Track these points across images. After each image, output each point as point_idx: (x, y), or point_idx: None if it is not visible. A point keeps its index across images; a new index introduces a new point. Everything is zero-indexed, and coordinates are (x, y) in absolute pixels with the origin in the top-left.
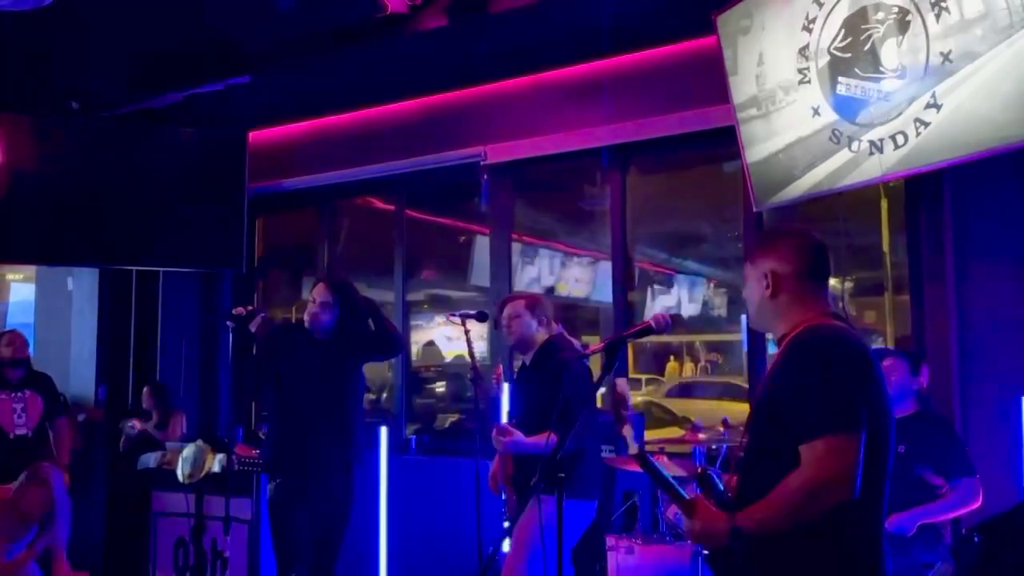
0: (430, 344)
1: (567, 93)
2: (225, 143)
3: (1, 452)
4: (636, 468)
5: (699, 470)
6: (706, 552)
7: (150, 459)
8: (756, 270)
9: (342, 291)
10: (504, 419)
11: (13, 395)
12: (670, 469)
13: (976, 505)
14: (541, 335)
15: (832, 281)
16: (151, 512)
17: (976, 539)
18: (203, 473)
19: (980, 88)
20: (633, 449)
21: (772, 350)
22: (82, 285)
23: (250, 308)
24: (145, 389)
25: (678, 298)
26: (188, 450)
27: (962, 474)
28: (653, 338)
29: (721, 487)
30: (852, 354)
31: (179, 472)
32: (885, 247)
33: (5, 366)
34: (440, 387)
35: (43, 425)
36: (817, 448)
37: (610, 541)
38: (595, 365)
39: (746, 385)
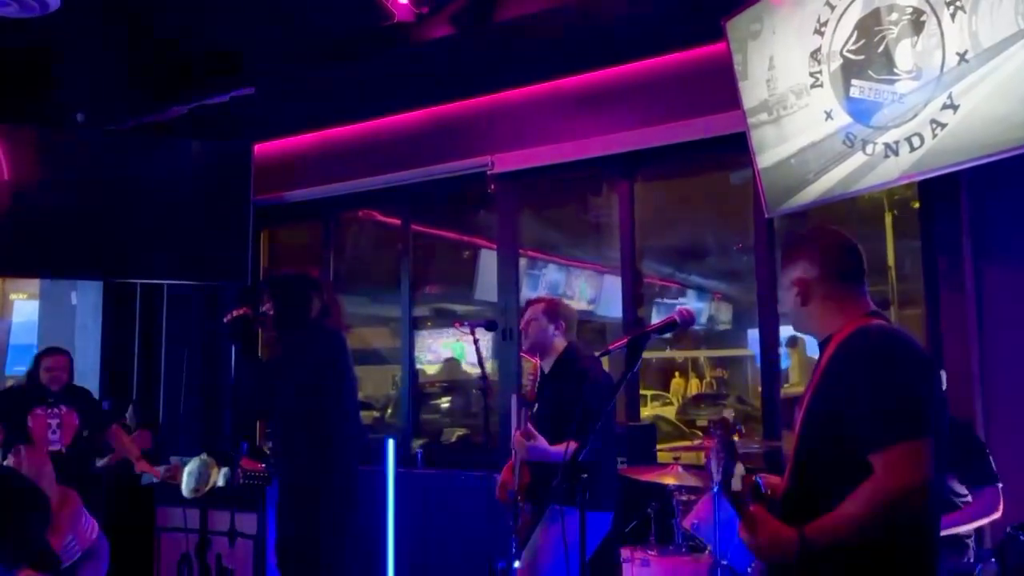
0: (450, 360)
1: (574, 101)
2: (230, 155)
3: None
4: (650, 478)
5: (747, 480)
6: (766, 567)
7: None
8: (785, 279)
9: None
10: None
11: (49, 411)
12: (684, 480)
13: (997, 515)
14: (559, 341)
15: None
16: (155, 527)
17: (1022, 537)
18: (208, 487)
19: (998, 88)
20: (738, 485)
21: (786, 364)
22: (86, 299)
23: (243, 309)
24: (131, 406)
25: None
26: (192, 464)
27: (985, 483)
28: (658, 354)
29: (766, 494)
30: (913, 355)
31: (183, 487)
32: (891, 260)
33: (42, 388)
34: (446, 401)
35: (78, 440)
36: (892, 456)
37: (625, 553)
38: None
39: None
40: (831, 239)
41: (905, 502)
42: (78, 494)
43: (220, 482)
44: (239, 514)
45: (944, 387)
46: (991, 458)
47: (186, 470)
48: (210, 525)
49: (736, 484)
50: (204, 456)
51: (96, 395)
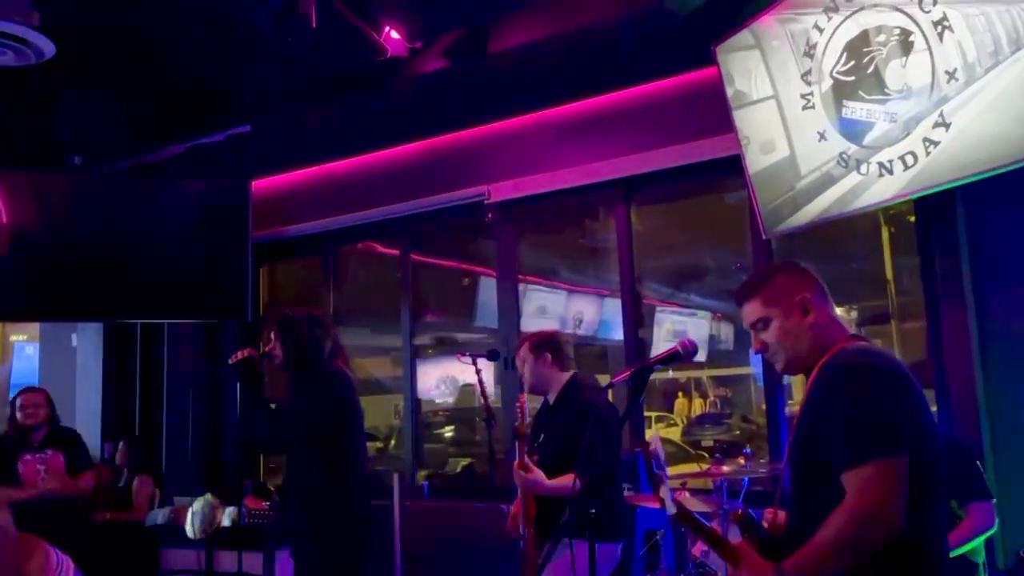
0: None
1: (569, 129)
2: (228, 193)
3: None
4: (657, 505)
5: (739, 513)
6: None
7: (158, 515)
8: (781, 305)
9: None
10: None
11: (36, 455)
12: (693, 506)
13: (991, 530)
14: (559, 374)
15: (839, 311)
16: (160, 570)
17: None
18: (213, 528)
19: (990, 105)
20: (672, 509)
21: (788, 380)
22: (86, 341)
23: (247, 350)
24: (121, 443)
25: (684, 333)
26: (197, 504)
27: (978, 498)
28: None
29: (763, 528)
30: (887, 371)
31: (188, 527)
32: (889, 275)
33: (25, 430)
34: (449, 431)
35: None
36: (860, 476)
37: None
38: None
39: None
40: (799, 266)
41: (873, 525)
42: (43, 539)
43: (226, 522)
44: (245, 554)
45: (934, 406)
46: (983, 474)
47: (190, 511)
48: (216, 566)
49: (671, 508)
50: (208, 496)
51: (99, 436)
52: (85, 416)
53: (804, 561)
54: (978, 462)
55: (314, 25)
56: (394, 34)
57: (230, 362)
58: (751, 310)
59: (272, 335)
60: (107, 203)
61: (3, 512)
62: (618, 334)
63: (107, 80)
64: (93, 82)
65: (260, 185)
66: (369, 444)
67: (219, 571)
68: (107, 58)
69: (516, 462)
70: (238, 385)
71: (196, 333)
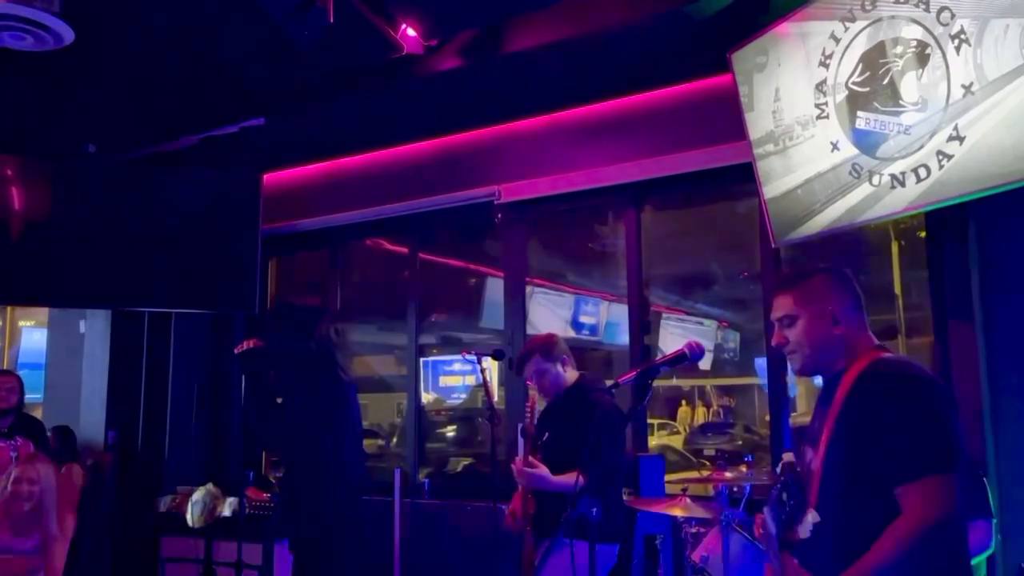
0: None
1: (582, 131)
2: (240, 185)
3: None
4: (658, 509)
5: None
6: None
7: (159, 503)
8: (812, 308)
9: None
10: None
11: (8, 443)
12: (694, 512)
13: (987, 552)
14: (570, 374)
15: None
16: (160, 558)
17: None
18: (213, 518)
19: (1004, 120)
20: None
21: (794, 392)
22: (94, 328)
23: (253, 341)
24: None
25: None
26: (198, 494)
27: (979, 516)
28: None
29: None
30: (940, 388)
31: (189, 516)
32: (897, 289)
33: None
34: (451, 431)
35: None
36: (925, 489)
37: None
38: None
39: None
40: (843, 272)
41: (941, 536)
42: None
43: (226, 512)
44: (245, 545)
45: None
46: (988, 492)
47: (192, 500)
48: (216, 556)
49: (804, 532)
50: (210, 486)
51: (103, 423)
52: (91, 403)
53: (865, 573)
54: (984, 479)
55: (331, 20)
56: (410, 31)
57: (235, 352)
58: (782, 303)
59: (276, 327)
60: (119, 191)
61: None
62: (624, 339)
63: (124, 69)
64: (110, 70)
65: (272, 178)
66: (371, 441)
67: (218, 561)
68: (124, 47)
69: (519, 459)
70: (243, 376)
71: (204, 323)
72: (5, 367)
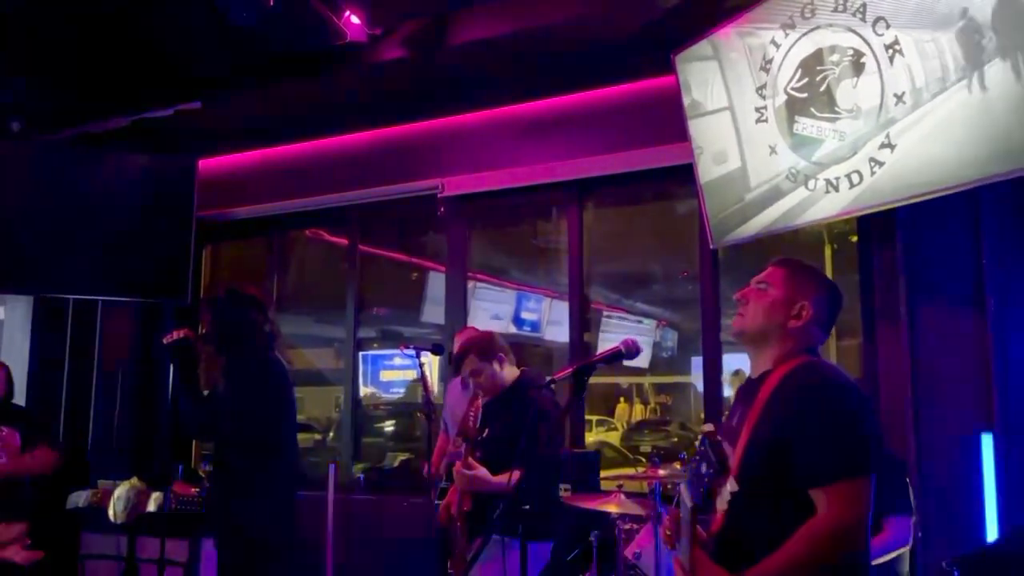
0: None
1: (526, 127)
2: (173, 170)
3: None
4: (593, 506)
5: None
6: None
7: (80, 498)
8: (789, 292)
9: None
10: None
11: None
12: (628, 508)
13: (908, 546)
14: (509, 371)
15: None
16: (79, 555)
17: (956, 573)
18: (137, 513)
19: (934, 130)
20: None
21: (728, 392)
22: (15, 314)
23: (183, 331)
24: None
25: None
26: (120, 489)
27: (900, 512)
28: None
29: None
30: (857, 395)
31: (111, 512)
32: None
33: None
34: (389, 425)
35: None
36: (838, 492)
37: None
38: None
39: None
40: (839, 296)
41: (847, 541)
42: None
43: (151, 508)
44: (170, 541)
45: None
46: (911, 489)
47: (115, 495)
48: (139, 553)
49: (722, 504)
50: (135, 480)
51: None
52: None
53: (771, 570)
54: (907, 478)
55: (272, 2)
56: (354, 19)
57: (164, 342)
58: (771, 273)
59: (208, 315)
60: (46, 173)
61: None
62: (564, 336)
63: (52, 43)
64: (37, 44)
65: (208, 164)
66: (307, 435)
67: (141, 558)
68: (53, 20)
69: (459, 462)
70: (172, 367)
71: (133, 311)
72: None
